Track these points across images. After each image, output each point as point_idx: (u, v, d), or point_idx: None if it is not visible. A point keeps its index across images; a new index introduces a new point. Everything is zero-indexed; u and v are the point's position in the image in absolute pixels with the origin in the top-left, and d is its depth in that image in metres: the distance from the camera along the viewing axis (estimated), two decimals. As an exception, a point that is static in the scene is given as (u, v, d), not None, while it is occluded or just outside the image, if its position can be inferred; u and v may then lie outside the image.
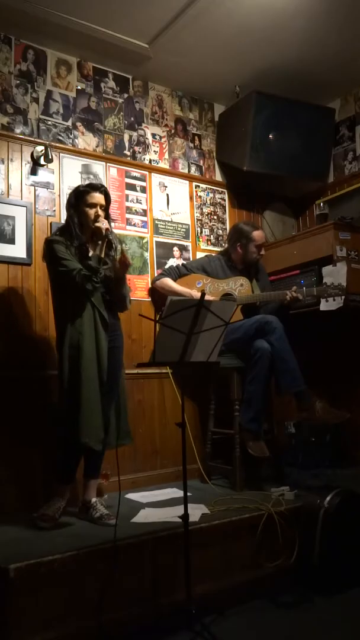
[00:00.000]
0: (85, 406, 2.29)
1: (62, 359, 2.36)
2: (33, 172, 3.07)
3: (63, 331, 2.38)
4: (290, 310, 3.15)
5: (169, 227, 3.60)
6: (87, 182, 3.18)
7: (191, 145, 3.81)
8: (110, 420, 2.50)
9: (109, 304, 2.50)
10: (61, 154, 3.18)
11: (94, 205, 2.49)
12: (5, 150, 2.99)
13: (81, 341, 2.34)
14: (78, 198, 2.51)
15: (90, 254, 2.45)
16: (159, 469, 3.27)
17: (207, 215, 3.80)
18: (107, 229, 2.44)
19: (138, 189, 3.50)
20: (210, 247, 3.76)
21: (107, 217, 2.55)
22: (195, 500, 2.65)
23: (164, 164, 3.65)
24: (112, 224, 2.63)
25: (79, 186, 2.60)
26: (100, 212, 2.50)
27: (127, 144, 3.49)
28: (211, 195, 3.85)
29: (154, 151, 3.62)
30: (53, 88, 3.23)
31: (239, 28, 3.13)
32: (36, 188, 3.07)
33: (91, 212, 2.48)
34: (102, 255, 2.42)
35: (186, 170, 3.75)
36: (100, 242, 2.45)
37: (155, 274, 3.44)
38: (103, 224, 2.44)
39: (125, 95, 3.52)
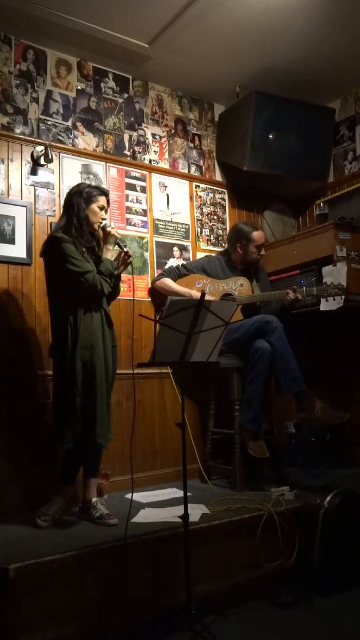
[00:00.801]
0: (100, 408, 2.31)
1: (73, 359, 2.32)
2: (33, 172, 3.07)
3: (75, 331, 2.34)
4: (292, 310, 3.15)
5: (169, 227, 3.60)
6: (87, 182, 3.19)
7: (191, 145, 3.81)
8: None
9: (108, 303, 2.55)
10: (61, 154, 3.18)
11: (102, 208, 2.53)
12: (5, 150, 2.99)
13: (94, 342, 2.35)
14: (89, 197, 2.50)
15: (102, 257, 2.47)
16: (159, 469, 3.27)
17: (207, 215, 3.80)
18: (119, 238, 2.52)
19: (138, 189, 3.50)
20: (210, 247, 3.76)
21: None
22: (195, 500, 2.65)
23: (164, 164, 3.65)
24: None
25: (84, 184, 2.58)
26: (105, 216, 2.55)
27: (127, 144, 3.50)
28: (211, 195, 3.85)
29: (154, 151, 3.62)
30: (53, 88, 3.23)
31: (239, 28, 3.13)
32: (36, 188, 3.07)
33: (101, 214, 2.52)
34: (113, 259, 2.48)
35: (186, 170, 3.75)
36: (110, 247, 2.50)
37: (155, 274, 3.44)
38: (117, 231, 2.52)
39: (125, 95, 3.53)
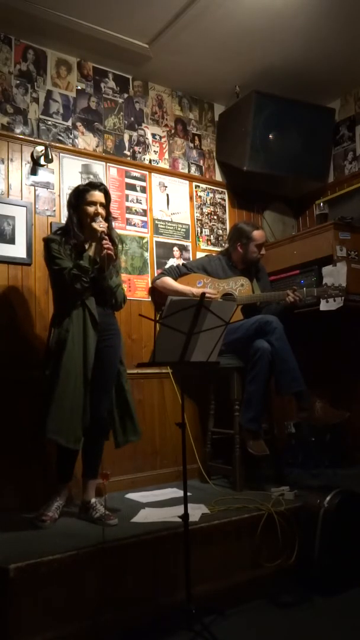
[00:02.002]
0: (57, 402, 2.25)
1: (49, 355, 2.38)
2: (33, 172, 3.07)
3: (53, 328, 2.42)
4: (294, 310, 3.15)
5: (169, 227, 3.60)
6: (87, 181, 3.19)
7: (191, 145, 3.81)
8: (114, 419, 2.51)
9: (101, 302, 2.47)
10: (61, 154, 3.18)
11: (93, 204, 2.48)
12: (5, 150, 2.99)
13: (67, 338, 2.34)
14: (78, 197, 2.51)
15: (84, 253, 2.43)
16: (159, 469, 3.27)
17: (207, 215, 3.80)
18: (102, 231, 2.40)
19: (138, 189, 3.50)
20: (210, 247, 3.76)
21: (108, 215, 2.54)
22: (195, 500, 2.65)
23: (164, 164, 3.65)
24: (114, 222, 2.64)
25: (79, 185, 2.60)
26: (101, 211, 2.48)
27: (127, 144, 3.49)
28: (211, 195, 3.85)
29: (154, 151, 3.62)
30: (53, 88, 3.23)
31: (239, 28, 3.13)
32: (36, 188, 3.07)
33: (90, 210, 2.47)
34: (94, 255, 2.39)
35: (186, 170, 3.75)
36: (95, 244, 2.44)
37: (155, 274, 3.44)
38: (100, 225, 2.42)
39: (125, 95, 3.53)
